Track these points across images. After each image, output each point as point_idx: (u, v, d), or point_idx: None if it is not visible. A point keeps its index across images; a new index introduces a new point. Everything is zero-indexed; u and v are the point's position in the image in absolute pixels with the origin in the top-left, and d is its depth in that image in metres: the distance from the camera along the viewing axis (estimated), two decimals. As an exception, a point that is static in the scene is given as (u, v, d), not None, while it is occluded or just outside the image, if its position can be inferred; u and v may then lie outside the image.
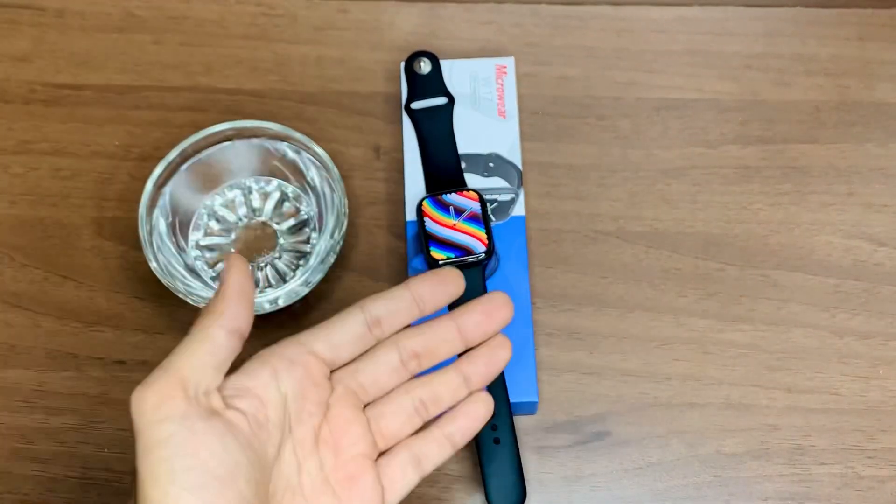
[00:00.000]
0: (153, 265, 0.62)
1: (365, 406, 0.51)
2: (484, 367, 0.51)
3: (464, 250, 0.62)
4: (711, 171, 0.68)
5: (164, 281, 0.62)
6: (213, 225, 0.67)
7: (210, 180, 0.66)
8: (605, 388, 0.63)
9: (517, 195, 0.66)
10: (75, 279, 0.66)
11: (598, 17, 0.73)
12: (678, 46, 0.72)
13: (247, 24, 0.73)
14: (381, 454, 0.50)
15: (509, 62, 0.69)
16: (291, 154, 0.66)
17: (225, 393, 0.46)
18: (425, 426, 0.51)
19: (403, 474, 0.50)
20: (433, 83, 0.68)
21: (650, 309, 0.65)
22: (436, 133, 0.67)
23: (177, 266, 0.63)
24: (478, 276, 0.62)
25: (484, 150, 0.67)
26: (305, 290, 0.63)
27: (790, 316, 0.65)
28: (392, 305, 0.50)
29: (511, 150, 0.67)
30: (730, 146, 0.69)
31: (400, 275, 0.65)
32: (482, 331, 0.51)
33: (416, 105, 0.68)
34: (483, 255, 0.62)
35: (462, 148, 0.67)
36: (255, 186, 0.67)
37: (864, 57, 0.71)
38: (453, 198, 0.64)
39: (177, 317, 0.65)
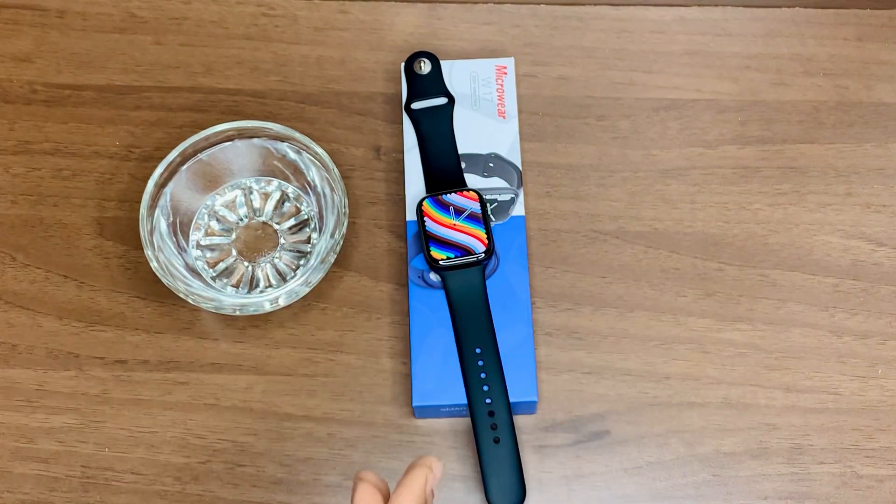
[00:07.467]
0: (154, 265, 0.62)
1: None
2: None
3: (464, 250, 0.63)
4: (710, 171, 0.68)
5: (164, 281, 0.62)
6: (214, 225, 0.67)
7: (211, 180, 0.67)
8: (604, 387, 0.63)
9: (517, 195, 0.66)
10: (76, 279, 0.66)
11: (597, 17, 0.73)
12: (677, 47, 0.72)
13: (247, 25, 0.73)
14: None
15: (509, 62, 0.69)
16: (292, 154, 0.66)
17: None
18: None
19: None
20: (433, 83, 0.68)
21: (649, 309, 0.65)
22: (436, 133, 0.67)
23: (177, 266, 0.63)
24: (478, 276, 0.62)
25: (484, 150, 0.67)
26: (306, 290, 0.63)
27: (789, 315, 0.65)
28: None
29: (511, 150, 0.67)
30: (729, 146, 0.69)
31: (400, 275, 0.66)
32: None
33: (416, 105, 0.68)
34: (483, 255, 0.63)
35: (462, 148, 0.67)
36: (255, 186, 0.67)
37: (862, 57, 0.71)
38: (453, 198, 0.64)
39: (177, 316, 0.65)
